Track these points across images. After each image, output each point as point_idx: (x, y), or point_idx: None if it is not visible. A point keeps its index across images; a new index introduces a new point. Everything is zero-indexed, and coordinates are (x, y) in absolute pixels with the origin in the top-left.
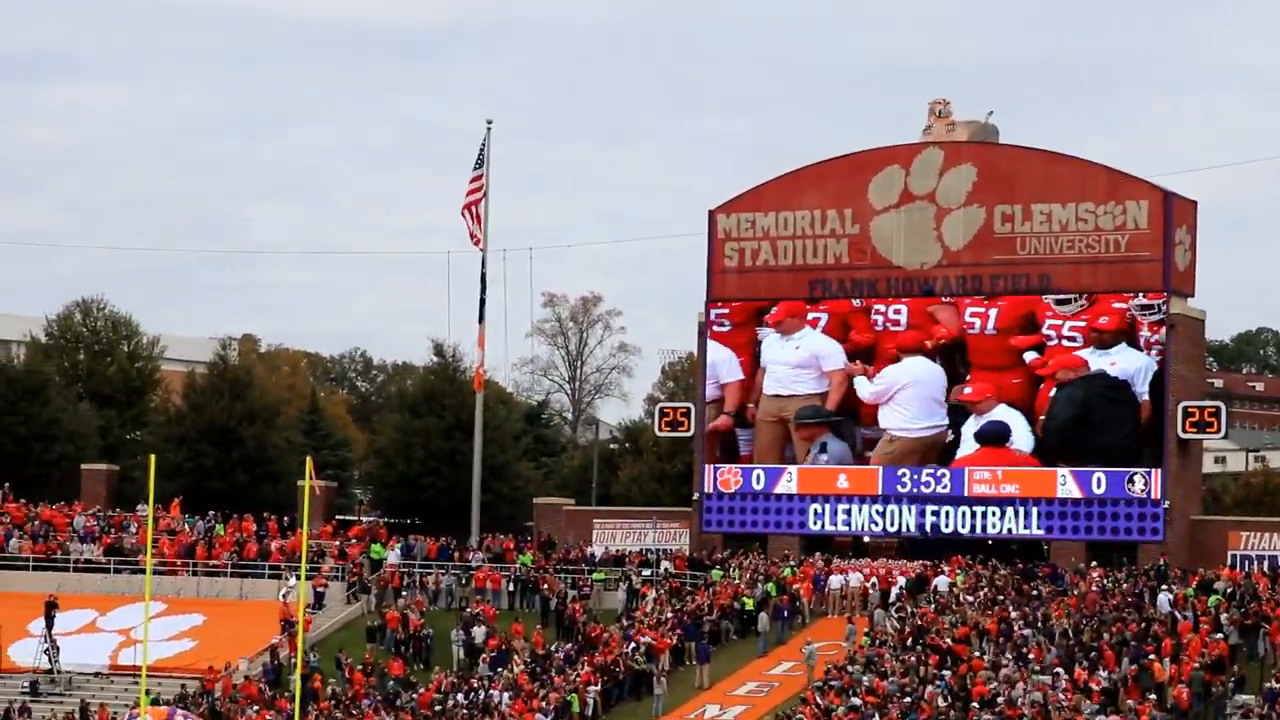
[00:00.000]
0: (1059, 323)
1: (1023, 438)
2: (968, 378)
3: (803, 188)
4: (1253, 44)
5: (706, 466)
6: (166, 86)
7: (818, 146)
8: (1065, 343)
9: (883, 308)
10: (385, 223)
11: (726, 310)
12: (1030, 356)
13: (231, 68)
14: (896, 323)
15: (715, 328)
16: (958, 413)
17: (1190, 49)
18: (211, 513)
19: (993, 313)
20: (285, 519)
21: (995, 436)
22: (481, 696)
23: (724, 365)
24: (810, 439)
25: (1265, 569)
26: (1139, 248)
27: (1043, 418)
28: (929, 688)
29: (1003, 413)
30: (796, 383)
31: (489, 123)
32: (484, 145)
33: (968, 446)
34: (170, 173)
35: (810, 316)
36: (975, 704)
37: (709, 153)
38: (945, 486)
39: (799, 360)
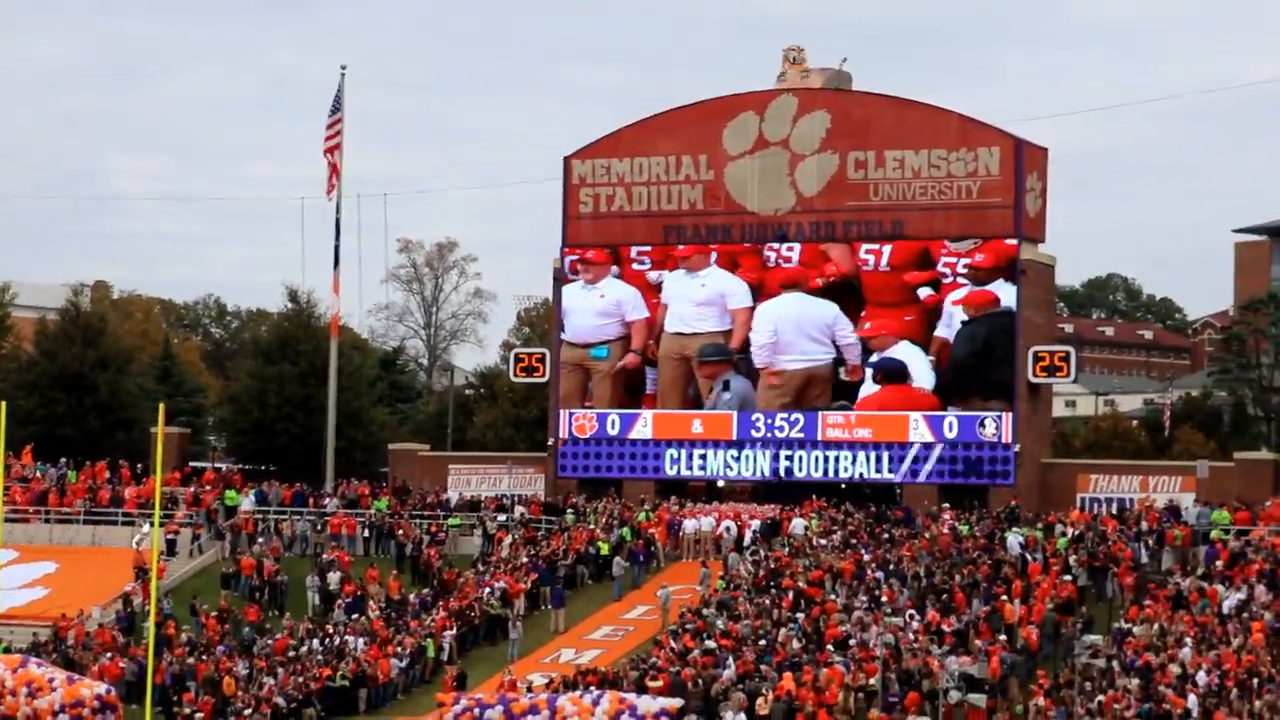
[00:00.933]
0: (953, 260)
1: (923, 374)
2: (863, 315)
3: (657, 134)
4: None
5: (561, 412)
6: (26, 37)
7: (675, 96)
8: (959, 279)
9: (777, 245)
10: (242, 172)
11: (579, 256)
12: (925, 293)
13: (90, 18)
14: (788, 259)
15: (570, 275)
16: (865, 351)
17: (1045, 6)
18: (64, 460)
19: (886, 250)
20: (139, 466)
21: (894, 373)
22: (337, 642)
23: (630, 303)
24: (712, 377)
25: (1113, 511)
26: (990, 194)
27: (937, 355)
28: (783, 630)
29: (902, 350)
30: (700, 320)
31: (343, 68)
32: (339, 90)
33: (869, 386)
34: (29, 124)
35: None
36: (829, 646)
37: (567, 102)
38: (800, 431)
39: (703, 298)
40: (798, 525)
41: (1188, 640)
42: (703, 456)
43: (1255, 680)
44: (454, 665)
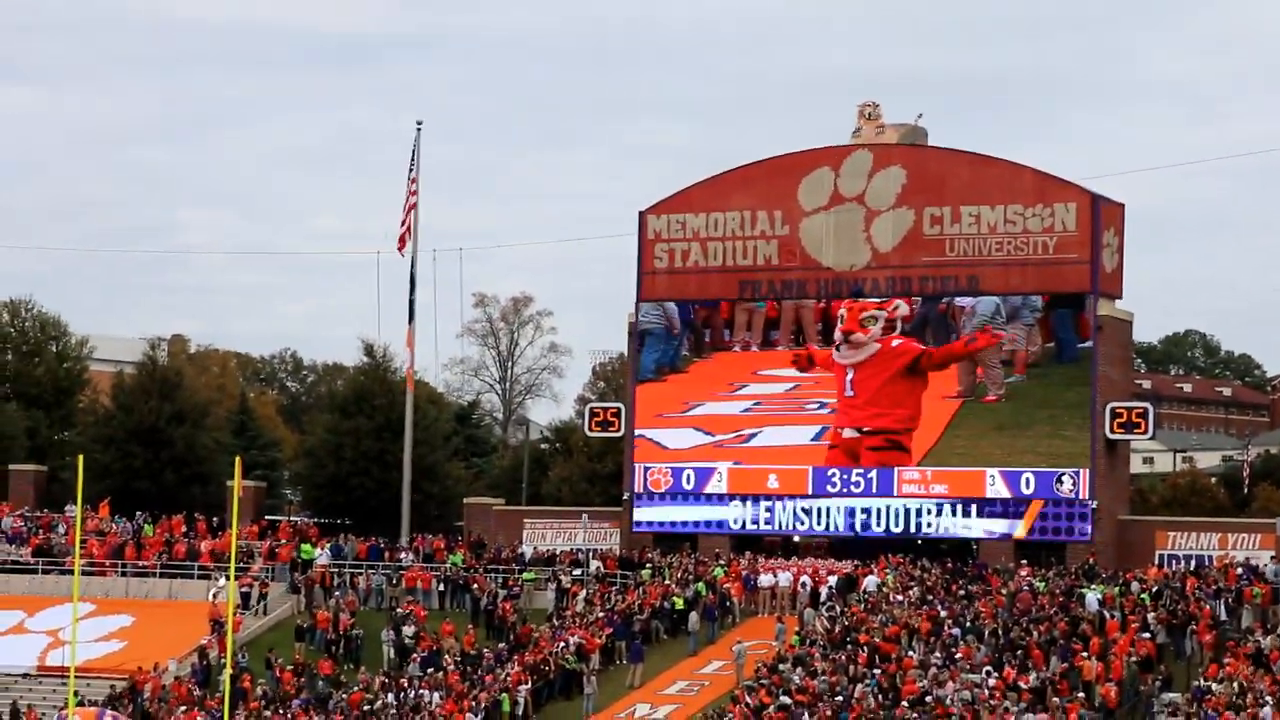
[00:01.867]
0: None
1: None
2: None
3: (732, 189)
4: (1182, 56)
5: (636, 466)
6: (97, 90)
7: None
8: None
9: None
10: (316, 225)
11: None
12: None
13: (161, 72)
14: None
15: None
16: None
17: (1120, 60)
18: (140, 513)
19: None
20: (214, 519)
21: None
22: (411, 696)
23: None
24: None
25: (1191, 568)
26: (1067, 250)
27: None
28: (859, 686)
29: None
30: None
31: (419, 124)
32: (415, 147)
33: None
34: (101, 177)
35: None
36: (905, 703)
37: (641, 157)
38: (874, 486)
39: None
40: (871, 581)
41: (1268, 699)
42: (778, 511)
43: None
44: None
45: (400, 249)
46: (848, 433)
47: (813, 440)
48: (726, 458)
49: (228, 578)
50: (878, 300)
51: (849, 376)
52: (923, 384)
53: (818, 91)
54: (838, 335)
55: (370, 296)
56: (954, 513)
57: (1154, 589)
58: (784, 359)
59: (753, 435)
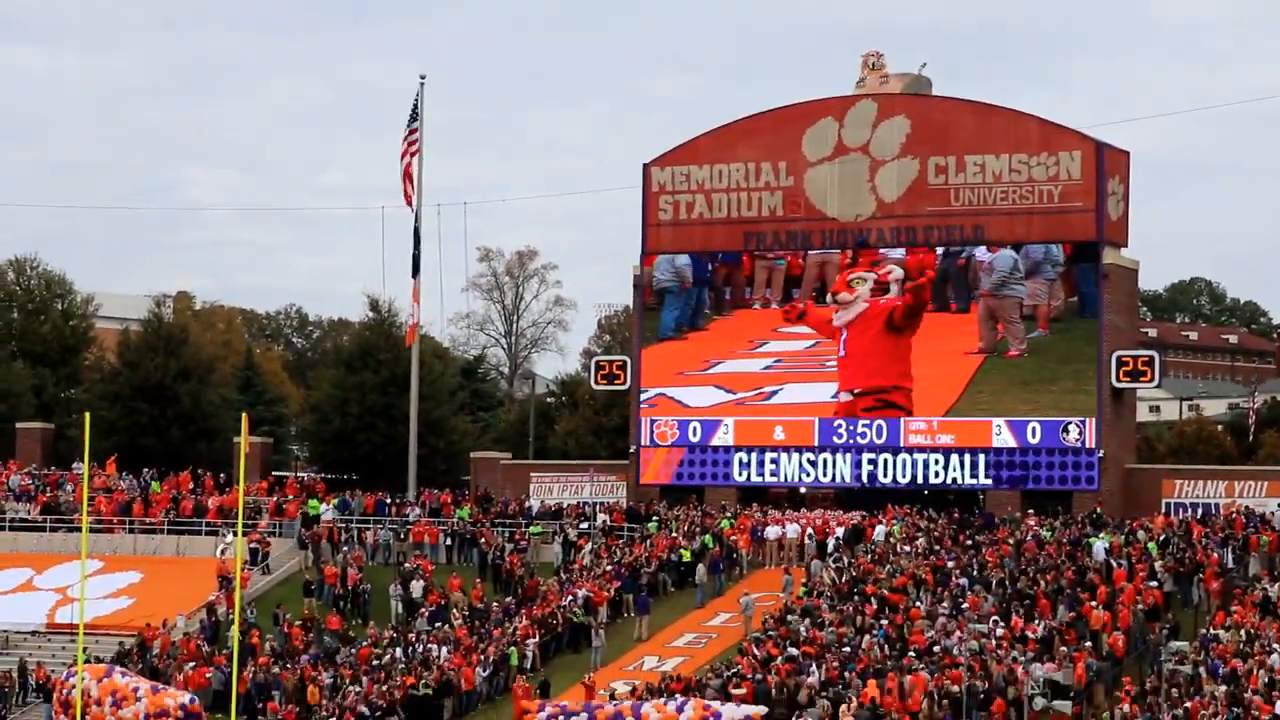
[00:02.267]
0: None
1: None
2: None
3: (736, 141)
4: (1186, 3)
5: (643, 419)
6: (102, 50)
7: (753, 103)
8: None
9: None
10: (321, 182)
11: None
12: None
13: (165, 32)
14: None
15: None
16: None
17: (1123, 7)
18: (147, 470)
19: None
20: (221, 476)
21: None
22: (420, 650)
23: None
24: None
25: (1198, 516)
26: (1072, 198)
27: None
28: (866, 637)
29: None
30: None
31: (422, 78)
32: (417, 100)
33: None
34: (105, 137)
35: None
36: (912, 652)
37: (645, 110)
38: (881, 437)
39: None
40: (880, 532)
41: (1276, 646)
42: (785, 463)
43: None
44: (523, 676)
45: (407, 197)
46: (844, 396)
47: (832, 398)
48: (743, 414)
49: (235, 534)
50: (872, 261)
51: (843, 337)
52: (906, 342)
53: (822, 42)
54: (829, 297)
55: (376, 252)
56: (961, 463)
57: (1160, 538)
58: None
59: (774, 393)
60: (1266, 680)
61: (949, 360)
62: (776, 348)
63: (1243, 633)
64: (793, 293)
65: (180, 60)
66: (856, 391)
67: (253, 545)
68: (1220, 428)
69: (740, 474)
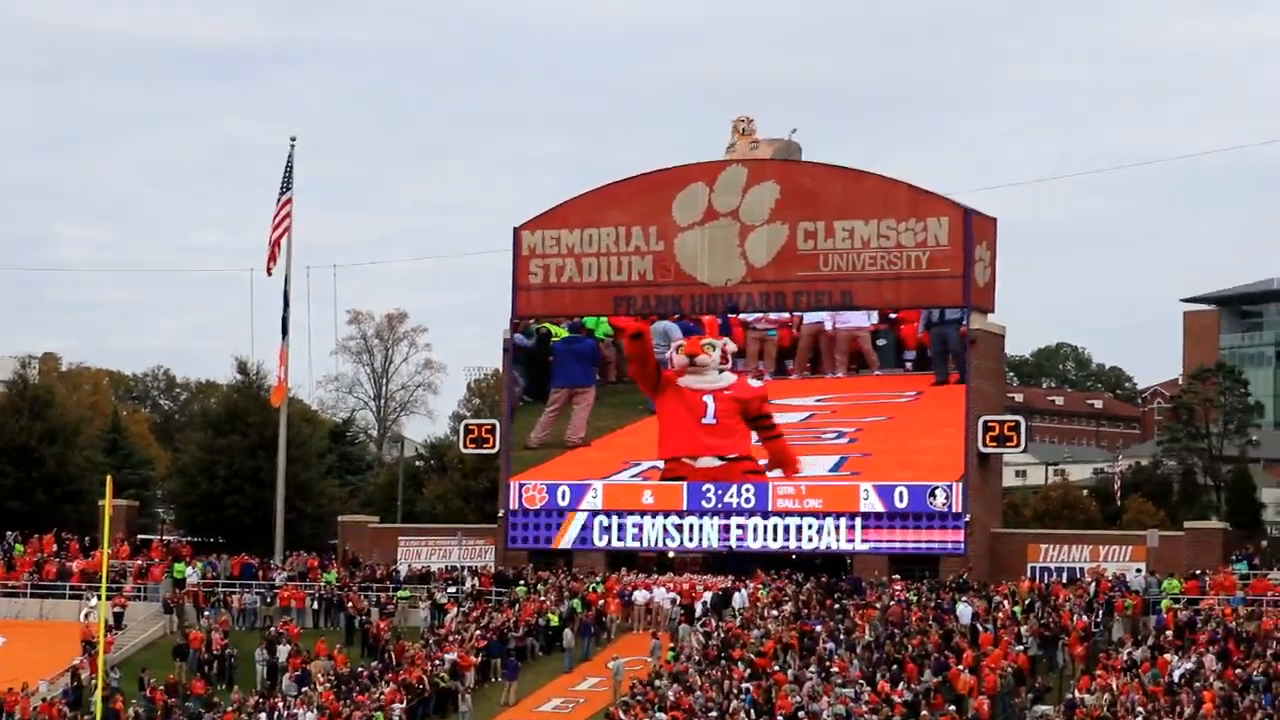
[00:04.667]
0: None
1: None
2: None
3: (607, 205)
4: (1052, 67)
5: (511, 483)
6: None
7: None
8: None
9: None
10: (190, 241)
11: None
12: None
13: (37, 83)
14: None
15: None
16: None
17: (990, 71)
18: (10, 533)
19: None
20: (86, 539)
21: None
22: (285, 716)
23: None
24: None
25: (1063, 580)
26: (940, 264)
27: None
28: (734, 702)
29: None
30: None
31: (293, 140)
32: (289, 164)
33: None
34: None
35: None
36: (780, 718)
37: (516, 171)
38: (749, 501)
39: None
40: (737, 598)
41: (1139, 710)
42: (652, 527)
43: None
44: None
45: (270, 268)
46: (705, 461)
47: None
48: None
49: (99, 598)
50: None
51: (711, 405)
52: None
53: (693, 103)
54: (679, 359)
55: (244, 313)
56: (828, 529)
57: (1026, 601)
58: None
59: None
60: None
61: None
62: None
63: (1107, 696)
64: (786, 364)
65: (51, 114)
66: (727, 458)
67: (117, 609)
68: (1085, 492)
69: (600, 539)
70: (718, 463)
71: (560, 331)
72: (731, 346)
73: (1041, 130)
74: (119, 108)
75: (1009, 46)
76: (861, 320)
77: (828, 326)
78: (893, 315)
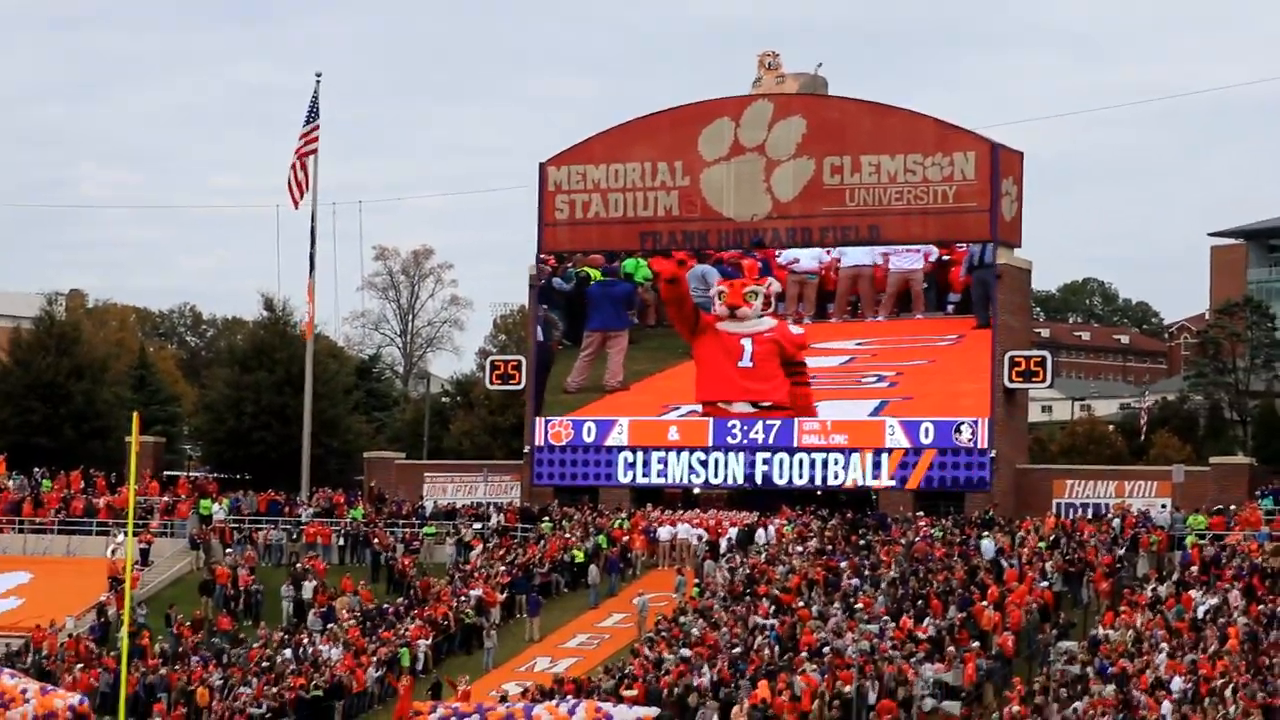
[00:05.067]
0: None
1: None
2: None
3: (633, 140)
4: (1078, 2)
5: (537, 419)
6: None
7: (650, 103)
8: None
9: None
10: (216, 181)
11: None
12: None
13: (58, 32)
14: None
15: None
16: None
17: (1014, 7)
18: (38, 469)
19: None
20: (113, 475)
21: None
22: (310, 651)
23: None
24: None
25: (1089, 516)
26: (966, 199)
27: None
28: (759, 638)
29: None
30: None
31: (318, 76)
32: (315, 98)
33: None
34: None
35: None
36: (804, 653)
37: (542, 109)
38: (774, 437)
39: None
40: (761, 534)
41: (1163, 646)
42: (677, 463)
43: (1230, 686)
44: (409, 676)
45: (295, 199)
46: (740, 406)
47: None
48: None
49: (126, 534)
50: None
51: (749, 349)
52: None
53: (719, 42)
54: (720, 309)
55: (270, 251)
56: (854, 464)
57: (1051, 537)
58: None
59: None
60: (1154, 680)
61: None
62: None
63: (1131, 633)
64: (826, 307)
65: (71, 60)
66: (761, 405)
67: (144, 546)
68: (1112, 428)
69: (625, 475)
70: (752, 409)
71: (596, 275)
72: (776, 287)
73: (1067, 66)
74: (139, 52)
75: None
76: (914, 262)
77: (879, 266)
78: (946, 258)
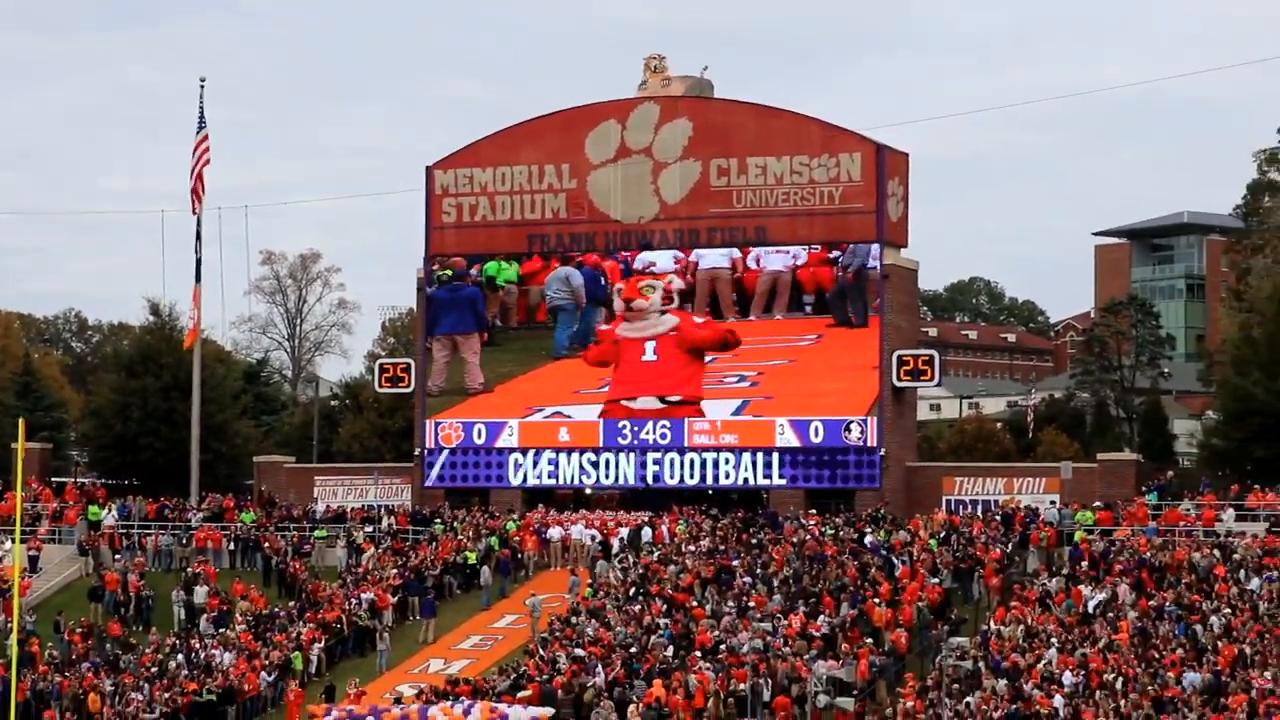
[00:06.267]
0: None
1: None
2: None
3: (520, 143)
4: (962, 6)
5: (427, 422)
6: None
7: (538, 106)
8: None
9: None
10: (95, 185)
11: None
12: None
13: None
14: None
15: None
16: None
17: (901, 12)
18: None
19: None
20: (0, 482)
21: None
22: (203, 657)
23: None
24: None
25: (978, 513)
26: (853, 200)
27: None
28: (652, 637)
29: None
30: None
31: (202, 81)
32: (201, 106)
33: None
34: None
35: None
36: (698, 653)
37: (429, 112)
38: (665, 437)
39: None
40: (647, 532)
41: (1054, 641)
42: (569, 464)
43: (1120, 679)
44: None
45: (195, 206)
46: (643, 402)
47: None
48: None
49: (14, 541)
50: (649, 267)
51: (650, 345)
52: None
53: (607, 45)
54: (619, 304)
55: (156, 256)
56: (745, 464)
57: (941, 534)
58: None
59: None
60: (1045, 675)
61: (858, 374)
62: None
63: (1021, 628)
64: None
65: None
66: (666, 400)
67: (32, 553)
68: (999, 425)
69: (516, 477)
70: (658, 404)
71: (445, 278)
72: (677, 284)
73: (953, 69)
74: (23, 55)
75: None
76: (783, 262)
77: (752, 266)
78: (833, 255)
